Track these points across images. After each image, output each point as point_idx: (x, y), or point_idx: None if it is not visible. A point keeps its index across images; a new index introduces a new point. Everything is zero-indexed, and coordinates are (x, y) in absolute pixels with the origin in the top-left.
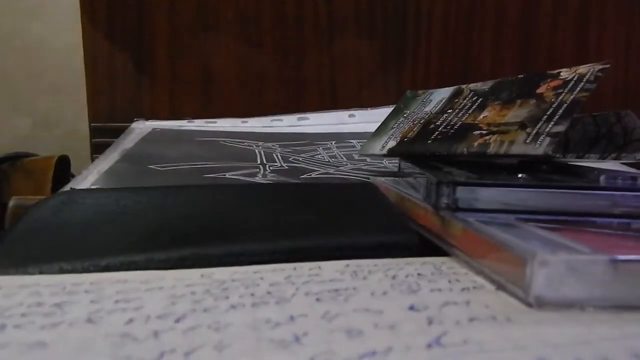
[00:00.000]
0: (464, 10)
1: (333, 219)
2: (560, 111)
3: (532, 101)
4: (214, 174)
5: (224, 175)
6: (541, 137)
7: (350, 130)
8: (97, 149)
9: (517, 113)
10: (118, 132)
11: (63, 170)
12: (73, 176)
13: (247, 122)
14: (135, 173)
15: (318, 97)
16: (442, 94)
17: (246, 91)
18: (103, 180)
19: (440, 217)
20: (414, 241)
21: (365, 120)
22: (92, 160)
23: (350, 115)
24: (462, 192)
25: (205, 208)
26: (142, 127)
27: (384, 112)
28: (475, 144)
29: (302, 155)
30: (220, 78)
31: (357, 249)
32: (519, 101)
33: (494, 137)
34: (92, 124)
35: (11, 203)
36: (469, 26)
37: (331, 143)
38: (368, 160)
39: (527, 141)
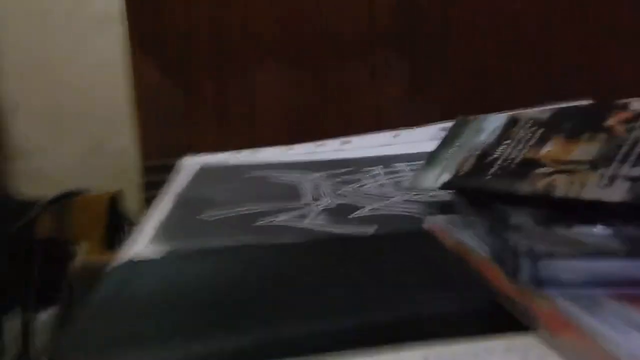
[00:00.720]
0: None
1: (402, 288)
2: (638, 149)
3: (602, 136)
4: (263, 219)
5: (273, 221)
6: (618, 181)
7: (395, 152)
8: (149, 185)
9: (585, 149)
10: (169, 168)
11: (115, 205)
12: (123, 214)
13: (291, 149)
14: (188, 226)
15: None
16: (495, 122)
17: (289, 116)
18: (159, 238)
19: (520, 289)
20: (493, 311)
21: (410, 140)
22: (146, 199)
23: (395, 136)
24: (544, 266)
25: (261, 280)
26: (191, 164)
27: (428, 131)
28: (540, 184)
29: (349, 186)
30: (263, 103)
31: (436, 324)
32: (586, 135)
33: (561, 177)
34: (145, 163)
35: (77, 263)
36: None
37: (378, 168)
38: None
39: (602, 185)
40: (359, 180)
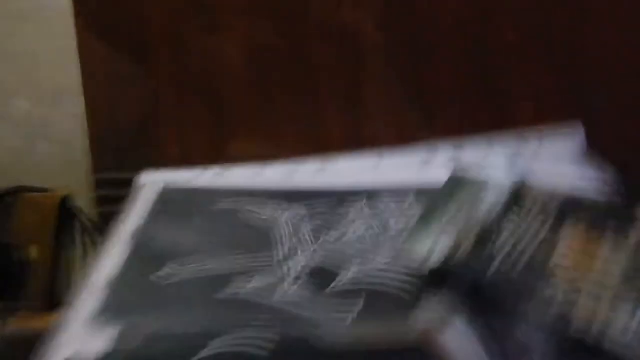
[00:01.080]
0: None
1: None
2: None
3: (631, 244)
4: (228, 287)
5: (239, 292)
6: None
7: (379, 179)
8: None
9: (610, 259)
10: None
11: (66, 204)
12: (77, 211)
13: (263, 172)
14: (141, 292)
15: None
16: (499, 193)
17: (258, 117)
18: (108, 309)
19: None
20: None
21: (395, 164)
22: (98, 213)
23: (378, 159)
24: None
25: None
26: (152, 184)
27: (413, 155)
28: (552, 309)
29: (330, 234)
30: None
31: None
32: (610, 235)
33: (580, 303)
34: (97, 175)
35: (8, 332)
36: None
37: (363, 204)
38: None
39: (629, 333)
40: (340, 221)
